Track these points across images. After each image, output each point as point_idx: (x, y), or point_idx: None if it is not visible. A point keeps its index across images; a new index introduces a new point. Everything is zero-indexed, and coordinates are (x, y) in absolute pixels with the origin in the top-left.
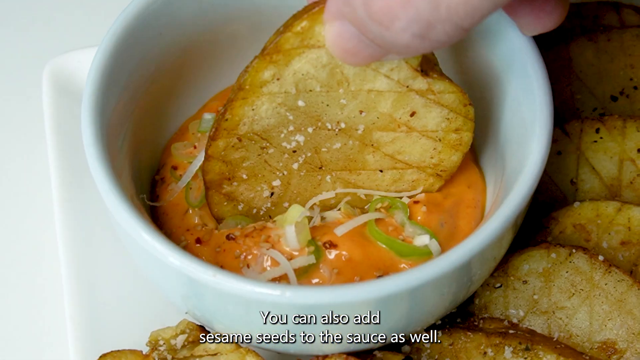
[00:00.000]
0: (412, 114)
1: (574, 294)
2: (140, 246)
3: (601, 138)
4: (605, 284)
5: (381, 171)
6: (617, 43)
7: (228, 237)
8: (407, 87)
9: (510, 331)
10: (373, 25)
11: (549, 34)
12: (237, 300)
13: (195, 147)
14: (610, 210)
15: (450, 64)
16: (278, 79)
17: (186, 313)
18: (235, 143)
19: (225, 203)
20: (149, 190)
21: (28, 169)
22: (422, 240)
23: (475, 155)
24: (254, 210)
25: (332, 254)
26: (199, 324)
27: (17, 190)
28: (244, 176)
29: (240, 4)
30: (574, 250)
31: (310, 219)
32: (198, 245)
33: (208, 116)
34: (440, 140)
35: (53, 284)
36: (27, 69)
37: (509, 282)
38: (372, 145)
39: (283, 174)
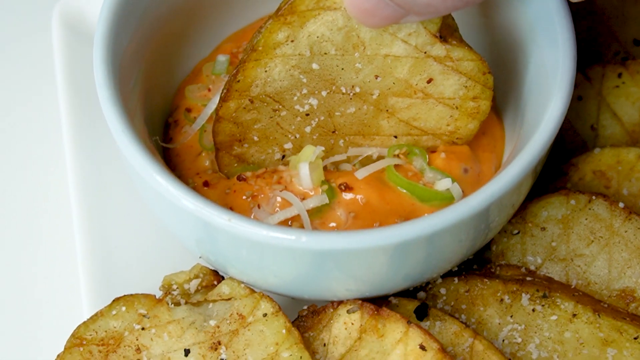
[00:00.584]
0: (429, 81)
1: (593, 241)
2: (153, 189)
3: (623, 83)
4: (625, 232)
5: (395, 137)
6: None
7: (239, 178)
8: (425, 53)
9: (528, 278)
10: None
11: None
12: (252, 245)
13: (209, 90)
14: (631, 157)
15: (475, 14)
16: (292, 41)
17: (200, 257)
18: (246, 104)
19: (236, 164)
20: (162, 132)
21: (39, 110)
22: (444, 184)
23: (495, 102)
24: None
25: (347, 197)
26: (213, 268)
27: (27, 132)
28: (255, 138)
29: None
30: (593, 197)
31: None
32: (205, 188)
33: (222, 58)
34: (457, 107)
35: (65, 228)
36: (36, 10)
37: (527, 229)
38: (387, 110)
39: (295, 137)
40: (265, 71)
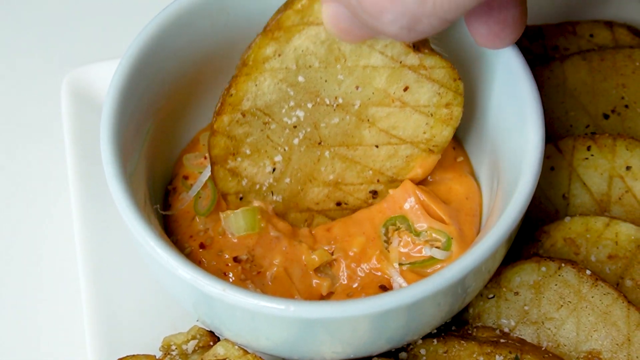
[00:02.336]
0: (405, 89)
1: (562, 305)
2: (155, 260)
3: (592, 155)
4: (592, 297)
5: (377, 146)
6: (610, 63)
7: (236, 259)
8: (400, 62)
9: (502, 340)
10: (364, 15)
11: (545, 53)
12: (244, 312)
13: (205, 158)
14: (599, 225)
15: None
16: (279, 55)
17: (197, 320)
18: (239, 118)
19: (230, 179)
20: (162, 198)
21: (47, 177)
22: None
23: (471, 168)
24: (257, 186)
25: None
26: (209, 330)
27: (37, 197)
28: (248, 151)
29: (251, 24)
30: (563, 265)
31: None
32: (202, 250)
33: None
34: (432, 115)
35: (72, 291)
36: (47, 80)
37: (502, 293)
38: (368, 120)
39: (284, 150)
40: (256, 85)
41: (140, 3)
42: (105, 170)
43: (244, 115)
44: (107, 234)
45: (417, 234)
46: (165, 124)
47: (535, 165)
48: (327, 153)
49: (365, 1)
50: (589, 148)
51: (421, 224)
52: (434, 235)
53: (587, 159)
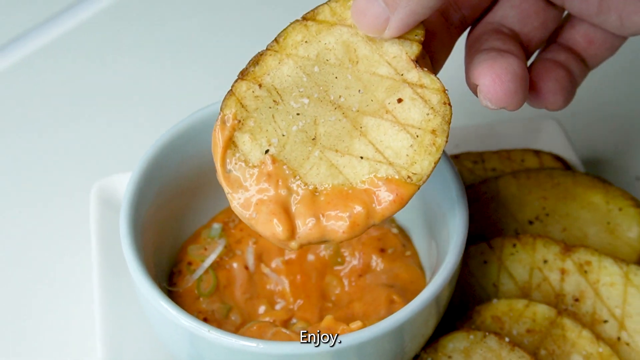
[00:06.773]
0: (399, 100)
1: None
2: (158, 311)
3: (517, 251)
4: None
5: (361, 157)
6: (534, 180)
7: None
8: (402, 75)
9: None
10: None
11: (485, 173)
12: (227, 352)
13: (205, 249)
14: (520, 306)
15: None
16: (306, 42)
17: None
18: (255, 89)
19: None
20: (168, 279)
21: (73, 270)
22: None
23: (418, 260)
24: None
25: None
26: None
27: (63, 290)
28: (252, 123)
29: None
30: (487, 334)
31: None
32: (205, 321)
33: (216, 225)
34: (417, 137)
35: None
36: (77, 189)
37: (438, 357)
38: (361, 128)
39: (282, 135)
40: (279, 63)
41: (159, 124)
42: (125, 256)
43: (260, 87)
44: (124, 312)
45: None
46: (170, 220)
47: (457, 252)
48: (317, 152)
49: None
50: (514, 245)
51: None
52: None
53: (512, 254)
